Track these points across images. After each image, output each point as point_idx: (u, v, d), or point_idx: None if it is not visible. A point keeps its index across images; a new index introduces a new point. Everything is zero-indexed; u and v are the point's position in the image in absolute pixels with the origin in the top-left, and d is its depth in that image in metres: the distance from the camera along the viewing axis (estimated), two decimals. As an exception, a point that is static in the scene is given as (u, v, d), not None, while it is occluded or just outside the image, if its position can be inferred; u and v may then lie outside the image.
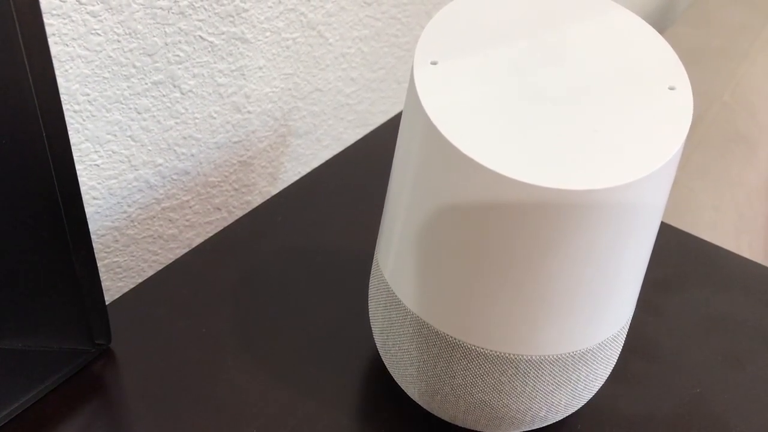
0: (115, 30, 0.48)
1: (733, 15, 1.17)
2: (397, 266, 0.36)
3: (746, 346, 0.48)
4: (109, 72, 0.49)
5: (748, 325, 0.49)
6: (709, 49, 1.08)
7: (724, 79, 1.01)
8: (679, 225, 0.60)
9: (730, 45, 1.09)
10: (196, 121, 0.57)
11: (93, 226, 0.54)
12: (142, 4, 0.48)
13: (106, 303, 0.46)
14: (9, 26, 0.32)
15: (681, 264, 0.54)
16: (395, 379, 0.41)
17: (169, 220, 0.60)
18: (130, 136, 0.53)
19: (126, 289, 0.53)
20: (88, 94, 0.49)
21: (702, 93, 0.98)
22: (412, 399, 0.41)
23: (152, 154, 0.55)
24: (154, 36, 0.50)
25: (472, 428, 0.39)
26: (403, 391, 0.41)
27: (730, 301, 0.51)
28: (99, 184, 0.53)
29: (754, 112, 0.97)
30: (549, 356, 0.34)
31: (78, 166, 0.51)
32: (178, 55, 0.53)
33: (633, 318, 0.45)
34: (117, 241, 0.57)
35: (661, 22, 1.33)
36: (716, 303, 0.51)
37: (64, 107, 0.48)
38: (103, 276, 0.58)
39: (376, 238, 0.40)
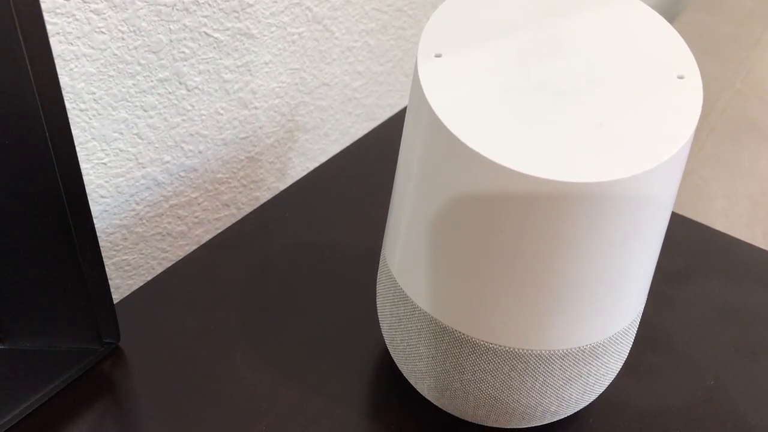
0: (120, 28, 0.48)
1: (744, 1, 1.16)
2: (404, 262, 0.36)
3: (760, 337, 0.47)
4: (114, 70, 0.49)
5: (762, 315, 0.49)
6: (721, 36, 1.07)
7: (736, 67, 1.00)
8: (691, 214, 0.60)
9: (742, 31, 1.08)
10: (203, 117, 0.57)
11: (101, 224, 0.54)
12: (146, 2, 0.48)
13: (117, 301, 0.46)
14: (9, 26, 0.32)
15: (693, 255, 0.53)
16: (404, 374, 0.41)
17: (178, 217, 0.60)
18: (136, 134, 0.53)
19: (136, 287, 0.53)
20: (93, 93, 0.49)
21: (714, 80, 0.96)
22: (421, 394, 0.41)
23: (159, 151, 0.55)
24: (158, 33, 0.50)
25: (482, 423, 0.39)
26: (412, 386, 0.41)
27: (743, 292, 0.50)
28: (106, 182, 0.53)
29: (766, 100, 0.96)
30: (559, 351, 0.34)
31: (85, 165, 0.51)
32: (183, 52, 0.52)
33: (645, 310, 0.44)
34: (126, 239, 0.57)
35: (672, 8, 1.32)
36: (729, 294, 0.50)
37: (70, 106, 0.48)
38: (113, 274, 0.58)
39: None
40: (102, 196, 0.53)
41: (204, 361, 0.44)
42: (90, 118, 0.49)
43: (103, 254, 0.43)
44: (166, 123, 0.54)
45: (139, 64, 0.50)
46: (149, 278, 0.53)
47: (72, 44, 0.46)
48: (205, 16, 0.52)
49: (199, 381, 0.43)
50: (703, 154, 0.87)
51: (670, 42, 0.33)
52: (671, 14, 1.31)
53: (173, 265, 0.50)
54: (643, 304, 0.37)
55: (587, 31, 0.34)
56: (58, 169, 0.36)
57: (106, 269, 0.45)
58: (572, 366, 0.35)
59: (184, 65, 0.53)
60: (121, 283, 0.59)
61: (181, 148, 0.57)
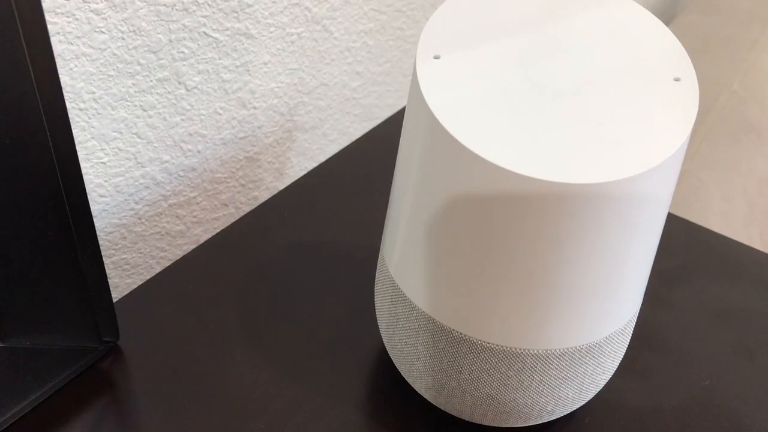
0: (120, 27, 0.48)
1: (742, 2, 1.16)
2: (402, 262, 0.36)
3: (756, 337, 0.48)
4: (113, 70, 0.49)
5: (758, 316, 0.49)
6: (719, 38, 1.07)
7: (733, 68, 1.01)
8: (688, 215, 0.60)
9: (740, 33, 1.08)
10: (202, 117, 0.57)
11: (100, 223, 0.54)
12: (146, 2, 0.48)
13: (115, 300, 0.46)
14: (10, 25, 0.32)
15: (690, 256, 0.53)
16: (402, 373, 0.41)
17: (177, 217, 0.60)
18: (135, 134, 0.53)
19: (135, 286, 0.54)
20: (93, 92, 0.49)
21: (711, 82, 0.97)
22: (419, 393, 0.41)
23: (158, 150, 0.55)
24: (158, 33, 0.50)
25: (479, 422, 0.39)
26: (410, 385, 0.41)
27: (739, 293, 0.51)
28: (106, 181, 0.53)
29: (763, 101, 0.96)
30: (556, 350, 0.34)
31: (84, 164, 0.51)
32: (182, 52, 0.53)
33: (641, 310, 0.44)
34: (125, 238, 0.57)
35: (670, 10, 1.32)
36: (725, 294, 0.50)
37: (70, 105, 0.48)
38: (112, 273, 0.58)
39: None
40: (101, 196, 0.53)
41: (202, 360, 0.44)
42: (89, 118, 0.50)
43: (102, 253, 0.43)
44: (165, 122, 0.55)
45: (139, 63, 0.50)
46: (148, 277, 0.53)
47: (72, 44, 0.46)
48: (205, 16, 0.53)
49: (198, 379, 0.43)
50: (700, 156, 0.87)
51: (666, 45, 0.34)
52: (669, 15, 1.31)
53: (172, 265, 0.50)
54: (640, 305, 0.37)
55: (585, 34, 0.34)
56: (58, 168, 0.36)
57: (105, 268, 0.45)
58: (569, 365, 0.35)
59: (184, 65, 0.53)
60: (120, 282, 0.59)
61: (180, 147, 0.57)
